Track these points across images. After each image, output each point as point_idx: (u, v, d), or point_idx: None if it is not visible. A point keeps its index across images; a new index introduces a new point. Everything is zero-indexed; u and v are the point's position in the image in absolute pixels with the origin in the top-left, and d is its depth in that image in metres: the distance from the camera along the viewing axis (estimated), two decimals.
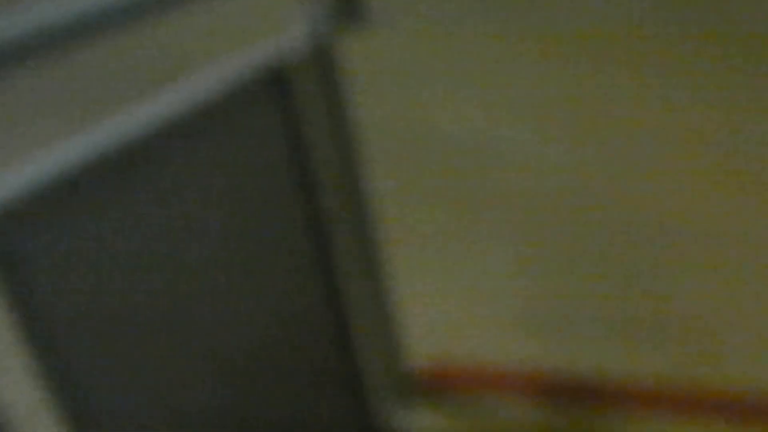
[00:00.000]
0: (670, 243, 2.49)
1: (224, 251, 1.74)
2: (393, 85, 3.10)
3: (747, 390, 2.04)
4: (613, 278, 2.42)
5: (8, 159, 2.65)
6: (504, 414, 2.07)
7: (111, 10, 1.40)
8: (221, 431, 1.75)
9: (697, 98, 2.83)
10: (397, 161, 2.90)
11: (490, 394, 2.12)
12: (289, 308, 1.87)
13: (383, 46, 3.21)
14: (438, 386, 2.16)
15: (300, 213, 1.89)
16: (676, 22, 3.10)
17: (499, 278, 2.44)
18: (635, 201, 2.62)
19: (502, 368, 2.19)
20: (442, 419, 2.07)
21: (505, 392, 2.12)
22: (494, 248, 2.54)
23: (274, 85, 1.75)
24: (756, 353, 2.14)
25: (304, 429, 1.90)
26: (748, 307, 2.27)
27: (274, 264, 1.84)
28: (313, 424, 1.92)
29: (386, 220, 2.65)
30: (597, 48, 3.05)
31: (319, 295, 1.94)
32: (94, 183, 1.50)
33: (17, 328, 1.42)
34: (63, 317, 1.48)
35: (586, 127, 2.89)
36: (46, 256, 1.45)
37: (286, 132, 1.82)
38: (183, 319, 1.68)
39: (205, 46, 3.25)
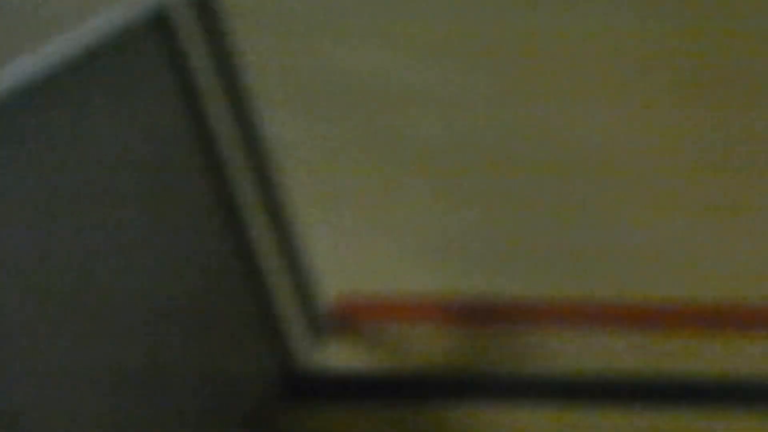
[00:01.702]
0: (577, 171, 2.54)
1: (124, 201, 1.73)
2: (286, 25, 3.06)
3: (650, 300, 2.13)
4: (521, 206, 2.47)
5: None
6: (418, 343, 2.14)
7: None
8: (139, 384, 1.76)
9: (618, 27, 2.78)
10: (296, 102, 2.90)
11: (403, 325, 2.18)
12: (197, 258, 1.88)
13: None
14: (352, 322, 2.22)
15: (198, 161, 1.89)
16: None
17: (407, 211, 2.49)
18: (543, 131, 2.67)
19: (413, 299, 2.25)
20: (358, 354, 2.14)
21: (418, 322, 2.18)
22: (403, 184, 2.59)
23: (158, 30, 1.65)
24: (657, 268, 2.21)
25: (222, 377, 1.93)
26: (652, 226, 2.33)
27: (178, 213, 1.85)
28: (230, 371, 1.95)
29: (291, 162, 2.64)
30: None
31: (226, 241, 1.95)
32: None
33: None
34: None
35: (498, 62, 2.87)
36: None
37: (173, 79, 1.80)
38: (89, 277, 1.66)
39: None
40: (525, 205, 2.50)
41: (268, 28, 3.08)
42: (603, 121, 2.68)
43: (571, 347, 2.08)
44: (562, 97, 2.78)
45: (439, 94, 2.88)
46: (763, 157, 2.48)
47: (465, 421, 1.96)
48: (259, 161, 2.09)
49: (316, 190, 2.63)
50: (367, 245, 2.45)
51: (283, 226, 2.16)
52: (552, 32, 2.88)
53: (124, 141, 1.77)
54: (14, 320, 1.57)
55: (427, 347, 2.15)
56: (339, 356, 2.17)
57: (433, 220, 2.50)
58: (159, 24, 1.81)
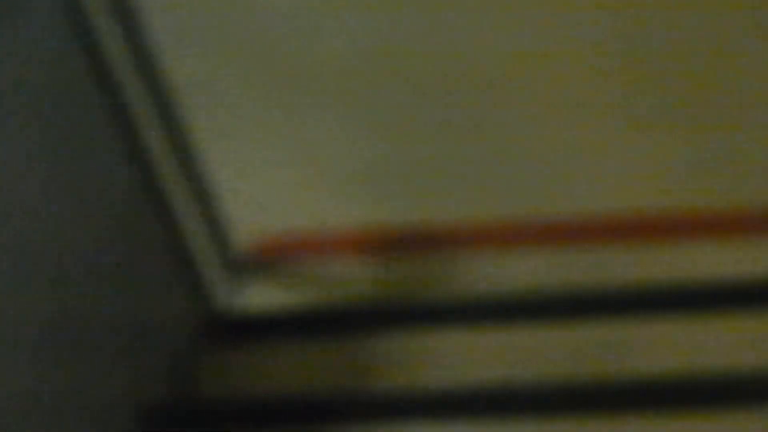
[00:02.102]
0: (486, 85, 2.53)
1: (24, 145, 1.67)
2: None
3: (571, 215, 2.16)
4: (432, 130, 2.45)
5: None
6: (338, 277, 2.12)
7: None
8: (56, 336, 1.71)
9: None
10: (199, 37, 2.85)
11: (322, 259, 2.16)
12: (107, 204, 1.84)
13: None
14: (271, 260, 2.19)
15: (99, 101, 1.84)
16: None
17: (316, 144, 2.46)
18: (448, 55, 2.65)
19: (330, 233, 2.23)
20: (279, 292, 2.11)
21: (337, 256, 2.17)
22: (312, 115, 2.55)
23: None
24: (574, 180, 2.25)
25: (142, 324, 1.90)
26: (567, 140, 2.35)
27: (82, 157, 1.80)
28: (149, 318, 1.93)
29: (197, 100, 2.58)
30: None
31: (136, 186, 1.91)
32: None
33: None
34: None
35: None
36: None
37: (67, 16, 1.75)
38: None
39: None
40: (433, 130, 2.49)
41: None
42: (501, 35, 2.69)
43: (491, 268, 2.09)
44: (465, 11, 2.77)
45: (337, 18, 2.83)
46: (663, 61, 2.54)
47: (390, 349, 1.95)
48: (163, 99, 2.03)
49: (225, 128, 2.57)
50: (278, 181, 2.42)
51: (192, 167, 2.11)
52: None
53: (17, 78, 1.70)
54: None
55: (347, 280, 2.13)
56: (259, 296, 2.13)
57: (342, 150, 2.48)
58: None
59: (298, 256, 2.20)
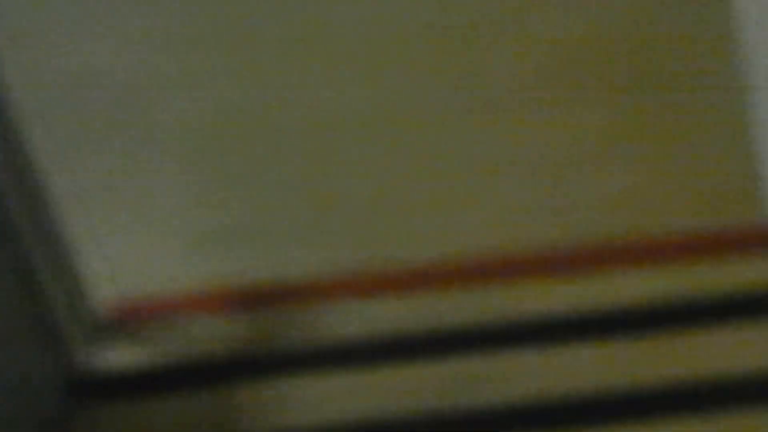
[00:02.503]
0: (327, 140, 2.70)
1: None
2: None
3: (429, 259, 2.31)
4: (280, 185, 2.60)
5: None
6: (200, 333, 2.22)
7: None
8: None
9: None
10: (49, 109, 2.93)
11: (183, 318, 2.26)
12: None
13: None
14: (133, 320, 2.27)
15: None
16: None
17: (171, 207, 2.57)
18: (282, 108, 2.81)
19: (190, 292, 2.32)
20: (141, 352, 2.19)
21: (197, 314, 2.26)
22: (163, 178, 2.67)
23: None
24: (428, 225, 2.42)
25: (10, 388, 1.94)
26: (415, 184, 2.52)
27: None
28: (13, 381, 1.96)
29: (56, 167, 2.71)
30: None
31: None
32: None
33: None
34: None
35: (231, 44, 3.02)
36: None
37: None
38: None
39: None
40: (285, 186, 2.63)
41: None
42: (342, 94, 2.85)
43: (351, 316, 2.22)
44: (305, 73, 2.93)
45: (184, 81, 2.96)
46: (507, 97, 2.78)
47: (255, 397, 2.05)
48: (23, 169, 2.10)
49: (83, 193, 2.65)
50: (142, 245, 2.51)
51: (51, 234, 2.18)
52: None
53: None
54: None
55: (209, 336, 2.23)
56: (123, 356, 2.21)
57: (193, 211, 2.59)
58: None
59: (156, 316, 2.29)
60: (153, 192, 2.65)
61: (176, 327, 2.27)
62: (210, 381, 2.11)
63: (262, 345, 2.19)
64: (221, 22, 3.08)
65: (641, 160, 2.63)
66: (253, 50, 3.04)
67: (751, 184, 2.55)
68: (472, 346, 2.11)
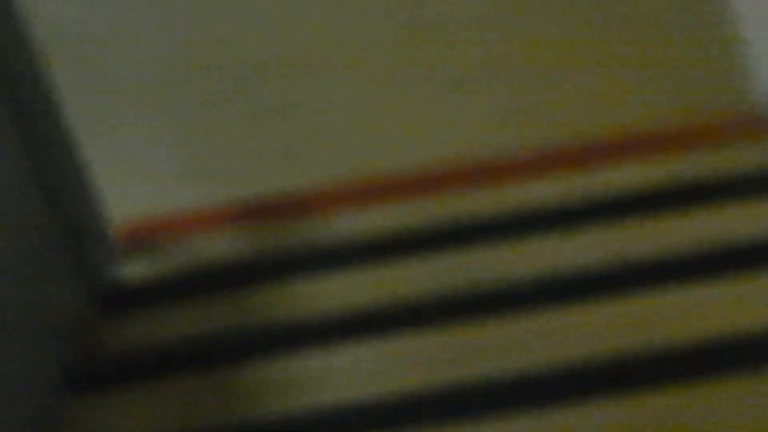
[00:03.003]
0: (296, 69, 2.83)
1: None
2: None
3: (407, 169, 2.45)
4: (259, 114, 2.75)
5: None
6: (207, 246, 2.36)
7: None
8: None
9: None
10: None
11: (188, 235, 2.40)
12: None
13: None
14: (142, 241, 2.42)
15: None
16: None
17: (159, 140, 2.72)
18: (257, 42, 2.95)
19: (191, 212, 2.47)
20: (154, 266, 2.34)
21: (201, 230, 2.41)
22: (146, 121, 2.81)
23: None
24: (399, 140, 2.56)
25: (41, 303, 2.06)
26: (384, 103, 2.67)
27: None
28: (35, 297, 2.06)
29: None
30: None
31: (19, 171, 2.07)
32: None
33: None
34: None
35: None
36: None
37: None
38: None
39: None
40: (264, 113, 2.78)
41: None
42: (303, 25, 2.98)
43: (347, 223, 2.37)
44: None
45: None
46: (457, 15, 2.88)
47: (265, 299, 2.20)
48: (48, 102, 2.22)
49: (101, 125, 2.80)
50: (145, 174, 2.67)
51: (73, 159, 2.29)
52: None
53: None
54: None
55: (215, 248, 2.38)
56: (139, 271, 2.36)
57: (186, 141, 2.73)
58: None
59: (164, 234, 2.45)
60: (138, 129, 2.82)
61: (183, 243, 2.41)
62: (220, 287, 2.24)
63: (267, 252, 2.33)
64: None
65: (616, 60, 2.71)
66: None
67: (733, 75, 2.62)
68: (466, 241, 2.23)
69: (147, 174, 2.65)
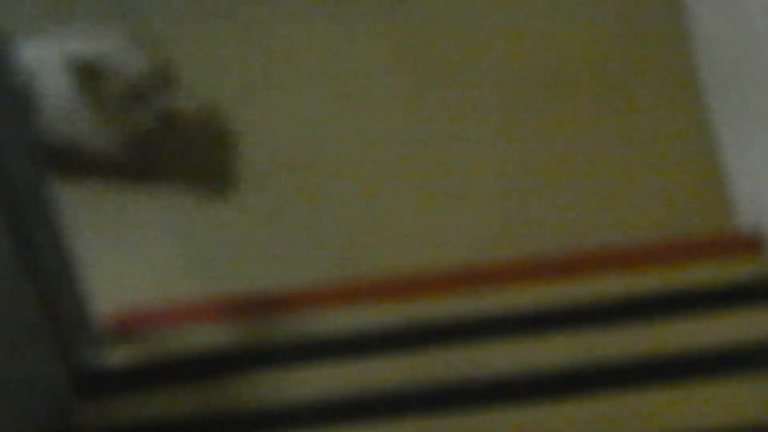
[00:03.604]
0: (305, 166, 2.91)
1: None
2: None
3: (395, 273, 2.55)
4: (258, 209, 2.82)
5: None
6: (195, 339, 2.38)
7: None
8: None
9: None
10: None
11: (176, 325, 2.42)
12: None
13: None
14: (129, 328, 2.44)
15: None
16: None
17: (160, 230, 2.77)
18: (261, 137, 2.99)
19: (182, 304, 2.49)
20: (137, 354, 2.36)
21: (190, 322, 2.43)
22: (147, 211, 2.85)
23: None
24: (396, 243, 2.66)
25: (11, 386, 2.04)
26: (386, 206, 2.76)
27: None
28: (19, 380, 2.07)
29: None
30: None
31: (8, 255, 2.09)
32: None
33: None
34: None
35: None
36: None
37: None
38: None
39: None
40: (264, 209, 2.84)
41: None
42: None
43: (336, 320, 2.40)
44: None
45: None
46: (461, 126, 2.95)
47: (249, 387, 2.22)
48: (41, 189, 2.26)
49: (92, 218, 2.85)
50: (138, 262, 2.72)
51: (60, 240, 2.33)
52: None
53: None
54: None
55: (201, 339, 2.41)
56: (122, 357, 2.38)
57: (183, 232, 2.77)
58: None
59: (151, 323, 2.47)
60: (139, 218, 2.87)
61: (168, 332, 2.44)
62: (201, 375, 2.27)
63: (250, 344, 2.36)
64: None
65: (603, 175, 2.78)
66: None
67: (717, 194, 2.69)
68: (447, 340, 2.28)
69: (137, 263, 2.69)
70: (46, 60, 2.76)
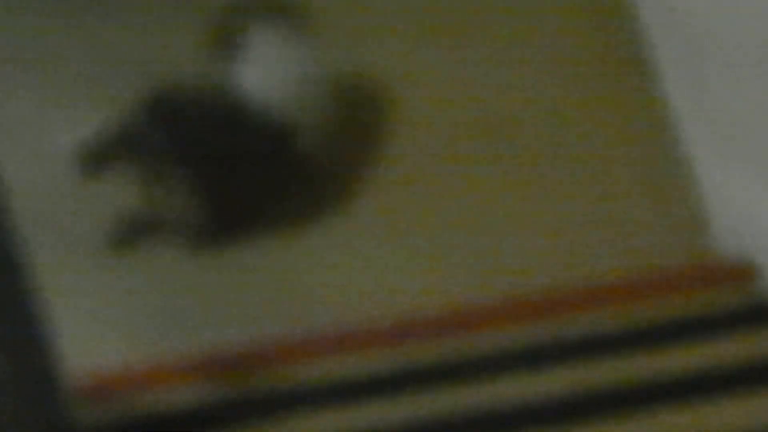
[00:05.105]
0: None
1: None
2: None
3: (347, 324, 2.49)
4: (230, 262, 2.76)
5: None
6: (173, 399, 2.32)
7: None
8: None
9: None
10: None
11: (153, 385, 2.37)
12: None
13: None
14: (104, 390, 2.38)
15: None
16: None
17: (127, 291, 2.73)
18: None
19: (155, 364, 2.45)
20: (113, 415, 2.31)
21: (167, 381, 2.38)
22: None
23: None
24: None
25: None
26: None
27: None
28: None
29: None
30: None
31: None
32: None
33: None
34: None
35: None
36: None
37: None
38: None
39: None
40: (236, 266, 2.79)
41: None
42: None
43: (320, 370, 2.36)
44: None
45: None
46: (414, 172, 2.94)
47: None
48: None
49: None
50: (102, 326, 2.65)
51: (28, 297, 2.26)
52: None
53: None
54: None
55: (176, 402, 2.34)
56: (97, 419, 2.31)
57: (148, 294, 2.72)
58: None
59: (129, 386, 2.41)
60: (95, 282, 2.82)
61: (145, 392, 2.37)
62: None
63: (231, 399, 2.30)
64: None
65: (577, 214, 2.78)
66: None
67: (695, 223, 2.69)
68: (434, 383, 2.24)
69: (111, 324, 2.62)
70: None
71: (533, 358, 2.25)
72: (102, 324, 2.65)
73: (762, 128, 2.30)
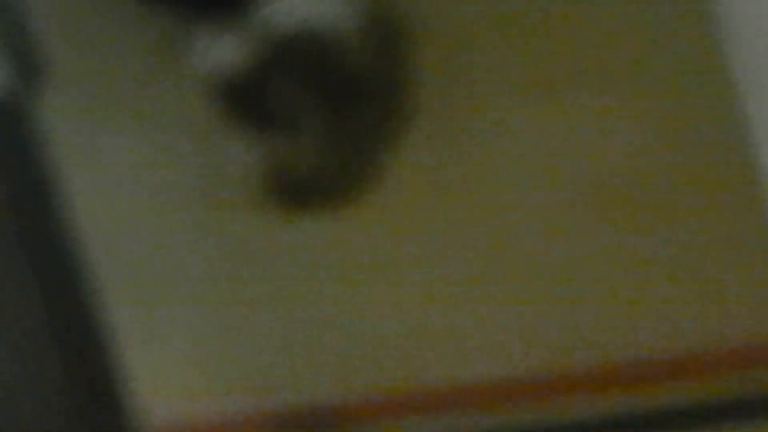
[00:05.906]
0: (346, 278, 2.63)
1: None
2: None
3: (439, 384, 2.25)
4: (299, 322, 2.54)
5: None
6: None
7: None
8: None
9: None
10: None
11: None
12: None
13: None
14: None
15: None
16: None
17: (200, 346, 2.48)
18: None
19: (231, 419, 2.38)
20: None
21: None
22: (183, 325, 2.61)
23: None
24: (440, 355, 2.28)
25: None
26: (425, 319, 2.39)
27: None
28: None
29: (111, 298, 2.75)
30: None
31: (49, 366, 1.93)
32: None
33: None
34: None
35: None
36: None
37: None
38: None
39: None
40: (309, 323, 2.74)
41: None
42: None
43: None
44: None
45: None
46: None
47: None
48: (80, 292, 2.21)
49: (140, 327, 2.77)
50: (184, 377, 2.61)
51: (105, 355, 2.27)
52: None
53: None
54: None
55: None
56: None
57: (228, 348, 2.69)
58: None
59: None
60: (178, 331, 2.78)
61: None
62: None
63: None
64: None
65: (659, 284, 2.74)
66: None
67: None
68: None
69: (185, 379, 2.61)
70: None
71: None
72: (181, 376, 2.63)
73: None
